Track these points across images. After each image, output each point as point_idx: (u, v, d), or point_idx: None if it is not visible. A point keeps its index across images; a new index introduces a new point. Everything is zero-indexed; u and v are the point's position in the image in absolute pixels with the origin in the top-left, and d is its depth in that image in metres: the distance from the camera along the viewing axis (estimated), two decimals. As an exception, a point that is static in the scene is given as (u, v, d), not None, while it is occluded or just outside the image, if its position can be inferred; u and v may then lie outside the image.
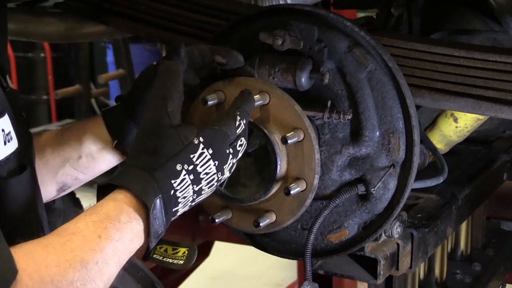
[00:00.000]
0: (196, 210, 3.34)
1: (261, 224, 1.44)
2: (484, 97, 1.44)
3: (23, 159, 1.27)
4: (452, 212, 1.86)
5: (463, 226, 2.44)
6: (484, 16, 2.07)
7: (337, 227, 1.52)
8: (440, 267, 2.34)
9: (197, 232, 3.42)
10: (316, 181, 1.41)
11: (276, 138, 1.40)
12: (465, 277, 2.40)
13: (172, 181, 1.18)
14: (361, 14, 3.60)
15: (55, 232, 1.07)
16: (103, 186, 1.17)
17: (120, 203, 1.14)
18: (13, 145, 1.21)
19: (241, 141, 1.29)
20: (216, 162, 1.23)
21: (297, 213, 1.45)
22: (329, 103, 1.43)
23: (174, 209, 1.19)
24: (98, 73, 7.32)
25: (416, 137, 1.43)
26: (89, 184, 1.71)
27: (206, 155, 1.22)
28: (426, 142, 1.74)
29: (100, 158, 1.54)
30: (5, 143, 1.19)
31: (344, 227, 1.51)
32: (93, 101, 7.52)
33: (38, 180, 1.36)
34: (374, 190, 1.46)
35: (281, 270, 5.13)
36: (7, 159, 1.20)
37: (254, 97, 1.37)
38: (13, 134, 1.21)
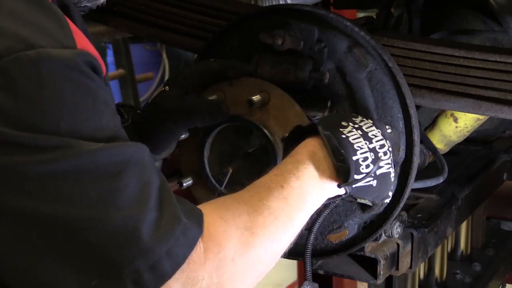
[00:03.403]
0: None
1: (261, 224, 1.44)
2: (484, 97, 1.44)
3: None
4: (452, 212, 1.86)
5: (463, 226, 2.44)
6: (484, 16, 2.07)
7: (337, 227, 1.52)
8: (440, 267, 2.34)
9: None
10: (316, 181, 1.41)
11: (276, 138, 1.40)
12: (465, 277, 2.40)
13: (341, 129, 1.28)
14: (361, 14, 3.60)
15: (244, 189, 1.18)
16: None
17: (297, 155, 1.26)
18: None
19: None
20: (379, 131, 1.33)
21: (297, 213, 1.44)
22: (329, 103, 1.43)
23: (354, 155, 1.25)
24: (98, 73, 7.30)
25: (416, 137, 1.43)
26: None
27: (368, 122, 1.34)
28: (426, 142, 1.74)
29: None
30: None
31: (344, 227, 1.51)
32: (93, 101, 7.50)
33: None
34: (374, 190, 1.46)
35: (281, 270, 5.12)
36: None
37: (254, 97, 1.37)
38: None
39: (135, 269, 0.93)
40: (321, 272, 1.65)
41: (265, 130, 1.40)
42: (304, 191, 1.20)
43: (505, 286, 2.64)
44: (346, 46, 1.45)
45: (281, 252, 1.16)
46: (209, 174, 1.47)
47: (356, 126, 1.31)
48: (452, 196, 1.90)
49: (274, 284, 5.17)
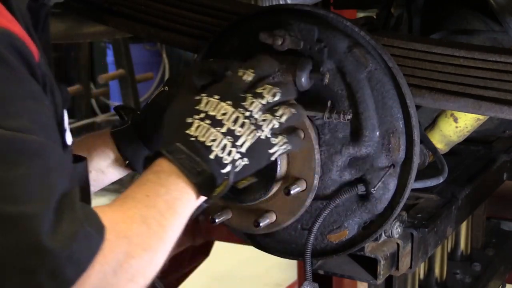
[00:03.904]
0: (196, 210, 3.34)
1: (261, 224, 1.44)
2: (484, 97, 1.44)
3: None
4: (452, 212, 1.86)
5: (463, 226, 2.44)
6: (484, 16, 2.07)
7: (337, 227, 1.52)
8: (440, 267, 2.34)
9: (197, 232, 3.42)
10: (316, 181, 1.41)
11: (276, 138, 1.40)
12: (465, 277, 2.40)
13: (187, 131, 1.21)
14: (361, 14, 3.60)
15: (110, 202, 1.12)
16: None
17: (155, 167, 1.18)
18: (71, 137, 1.26)
19: (263, 87, 1.27)
20: (230, 102, 1.24)
21: (297, 213, 1.45)
22: (329, 103, 1.43)
23: (210, 153, 1.19)
24: (98, 73, 7.32)
25: (416, 137, 1.43)
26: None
27: (214, 101, 1.24)
28: (426, 142, 1.74)
29: (110, 172, 1.57)
30: (70, 132, 1.24)
31: (344, 227, 1.51)
32: (93, 101, 7.52)
33: None
34: (374, 190, 1.46)
35: (281, 270, 5.13)
36: (71, 146, 1.24)
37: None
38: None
39: (35, 276, 0.90)
40: (321, 272, 1.65)
41: (265, 130, 1.40)
42: (173, 198, 1.14)
43: (505, 286, 2.64)
44: (346, 46, 1.45)
45: (159, 263, 1.10)
46: (209, 174, 1.47)
47: (202, 116, 1.23)
48: (452, 196, 1.90)
49: (274, 284, 5.17)
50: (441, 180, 1.67)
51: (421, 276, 2.30)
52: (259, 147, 1.24)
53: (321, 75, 1.43)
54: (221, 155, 1.19)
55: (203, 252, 3.67)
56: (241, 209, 1.48)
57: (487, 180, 2.16)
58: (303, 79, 1.44)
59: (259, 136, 1.24)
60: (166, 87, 1.48)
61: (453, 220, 1.88)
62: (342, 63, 1.45)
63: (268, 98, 1.26)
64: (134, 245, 1.04)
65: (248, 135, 1.23)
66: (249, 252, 2.22)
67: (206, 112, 1.23)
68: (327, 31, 1.46)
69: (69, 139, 1.21)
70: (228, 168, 1.20)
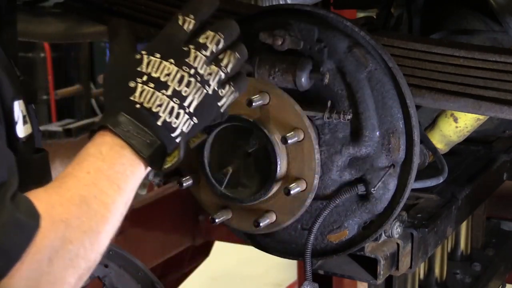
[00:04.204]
0: (196, 210, 3.34)
1: (261, 224, 1.44)
2: (484, 97, 1.44)
3: (38, 144, 1.29)
4: (452, 212, 1.86)
5: (463, 226, 2.44)
6: (484, 16, 2.07)
7: (337, 227, 1.52)
8: (440, 267, 2.34)
9: (197, 232, 3.42)
10: (316, 181, 1.41)
11: (276, 138, 1.40)
12: (465, 277, 2.40)
13: (131, 97, 1.15)
14: (361, 14, 3.60)
15: (51, 182, 1.08)
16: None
17: (97, 139, 1.13)
18: (29, 128, 1.23)
19: (205, 34, 1.21)
20: (172, 60, 1.18)
21: (297, 213, 1.45)
22: (329, 103, 1.43)
23: (157, 120, 1.14)
24: (98, 73, 7.31)
25: (416, 137, 1.43)
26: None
27: (155, 60, 1.18)
28: (426, 142, 1.74)
29: None
30: (23, 124, 1.21)
31: (344, 227, 1.51)
32: (93, 101, 7.52)
33: None
34: (374, 190, 1.46)
35: (281, 270, 5.13)
36: (27, 138, 1.21)
37: (253, 97, 1.37)
38: (27, 119, 1.23)
39: None
40: (321, 272, 1.65)
41: (265, 130, 1.40)
42: (116, 172, 1.10)
43: (505, 286, 2.64)
44: (346, 46, 1.45)
45: (103, 244, 1.07)
46: (209, 174, 1.47)
47: (145, 79, 1.16)
48: (452, 196, 1.90)
49: (274, 284, 5.17)
50: (441, 180, 1.67)
51: (421, 276, 2.30)
52: (208, 103, 1.20)
53: (321, 75, 1.43)
54: (169, 120, 1.15)
55: (203, 252, 3.67)
56: (241, 209, 1.48)
57: (487, 180, 2.16)
58: (303, 79, 1.44)
59: (207, 92, 1.19)
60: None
61: (453, 220, 1.88)
62: (342, 63, 1.45)
63: (213, 47, 1.21)
64: (73, 228, 1.01)
65: (195, 93, 1.18)
66: (249, 252, 2.22)
67: (149, 74, 1.17)
68: (327, 31, 1.46)
69: (22, 131, 1.19)
70: (177, 131, 1.16)
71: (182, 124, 1.17)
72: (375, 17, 2.35)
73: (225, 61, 1.22)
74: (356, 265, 1.64)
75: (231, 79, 1.23)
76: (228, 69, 1.22)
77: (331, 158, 1.48)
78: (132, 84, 1.16)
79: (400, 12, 2.25)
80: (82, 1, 2.01)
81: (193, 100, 1.18)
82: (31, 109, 1.32)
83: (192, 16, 1.22)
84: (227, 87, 1.22)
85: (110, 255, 1.86)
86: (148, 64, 1.18)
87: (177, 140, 1.16)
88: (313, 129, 1.42)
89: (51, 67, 7.24)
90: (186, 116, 1.17)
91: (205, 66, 1.20)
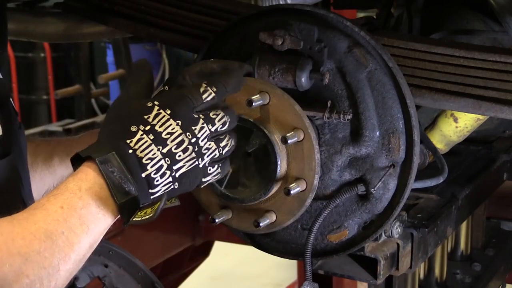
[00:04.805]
0: (196, 210, 3.34)
1: (261, 224, 1.44)
2: (484, 97, 1.44)
3: (7, 146, 1.27)
4: (452, 212, 1.86)
5: (463, 226, 2.44)
6: (484, 16, 2.07)
7: (337, 227, 1.52)
8: (440, 267, 2.34)
9: (197, 232, 3.42)
10: (316, 181, 1.41)
11: (276, 138, 1.40)
12: (465, 277, 2.40)
13: (128, 141, 1.15)
14: (361, 14, 3.60)
15: (21, 212, 1.07)
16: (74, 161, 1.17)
17: (80, 173, 1.12)
18: None
19: (216, 111, 1.24)
20: (179, 122, 1.19)
21: (297, 213, 1.45)
22: (329, 103, 1.43)
23: (143, 172, 1.14)
24: (98, 73, 7.32)
25: (416, 137, 1.43)
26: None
27: (164, 115, 1.19)
28: (426, 142, 1.74)
29: None
30: None
31: (344, 227, 1.51)
32: (93, 101, 7.52)
33: (44, 187, 1.36)
34: (374, 190, 1.46)
35: (281, 270, 5.13)
36: None
37: (253, 97, 1.37)
38: None
39: None
40: (321, 272, 1.66)
41: (265, 130, 1.40)
42: (88, 212, 1.09)
43: (505, 286, 2.64)
44: (346, 46, 1.45)
45: (61, 282, 1.06)
46: (209, 174, 1.47)
47: (148, 128, 1.17)
48: (452, 196, 1.91)
49: (274, 284, 5.17)
50: (441, 180, 1.67)
51: (421, 276, 2.30)
52: (194, 175, 1.21)
53: (321, 75, 1.43)
54: (153, 176, 1.15)
55: (203, 252, 3.67)
56: (241, 209, 1.48)
57: (487, 180, 2.16)
58: (303, 79, 1.44)
59: (197, 164, 1.21)
60: (166, 87, 1.48)
61: (453, 220, 1.88)
62: (342, 63, 1.45)
63: (218, 126, 1.24)
64: (31, 263, 1.00)
65: (187, 161, 1.19)
66: (249, 252, 2.23)
67: (153, 125, 1.17)
68: (327, 31, 1.46)
69: None
70: (156, 189, 1.15)
71: (163, 184, 1.16)
72: (375, 17, 2.35)
73: (224, 143, 1.25)
74: (356, 265, 1.64)
75: (221, 160, 1.26)
76: (224, 151, 1.25)
77: (331, 158, 1.48)
78: (133, 129, 1.16)
79: (400, 12, 2.25)
80: (82, 1, 2.01)
81: (183, 167, 1.19)
82: (9, 108, 1.30)
83: (215, 89, 1.24)
84: (215, 167, 1.25)
85: (110, 255, 1.85)
86: (156, 116, 1.18)
87: (152, 197, 1.15)
88: (313, 129, 1.42)
89: (51, 67, 7.25)
90: (170, 179, 1.17)
91: (206, 140, 1.22)
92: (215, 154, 1.23)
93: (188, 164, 1.19)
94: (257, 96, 1.38)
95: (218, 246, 3.80)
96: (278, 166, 1.41)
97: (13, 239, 1.00)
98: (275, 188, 1.43)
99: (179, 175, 1.18)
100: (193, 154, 1.20)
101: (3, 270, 0.97)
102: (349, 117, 1.42)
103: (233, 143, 1.27)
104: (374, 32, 1.53)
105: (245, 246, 1.94)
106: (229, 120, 1.25)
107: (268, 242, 1.61)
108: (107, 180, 1.11)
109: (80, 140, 1.57)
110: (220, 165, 1.26)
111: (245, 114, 1.41)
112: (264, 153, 1.42)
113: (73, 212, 1.07)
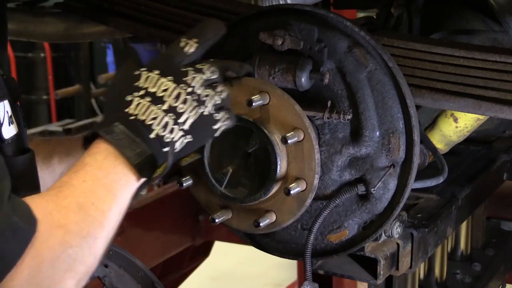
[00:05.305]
0: (196, 210, 3.34)
1: (261, 224, 1.44)
2: (484, 97, 1.44)
3: (24, 143, 1.29)
4: (452, 212, 1.86)
5: (463, 226, 2.44)
6: (484, 16, 2.07)
7: (337, 227, 1.52)
8: (440, 267, 2.34)
9: (197, 232, 3.42)
10: (316, 181, 1.41)
11: (276, 138, 1.40)
12: (465, 277, 2.40)
13: (126, 110, 1.17)
14: (361, 14, 3.60)
15: (46, 191, 1.10)
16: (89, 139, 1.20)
17: (92, 149, 1.15)
18: (15, 128, 1.24)
19: (201, 63, 1.24)
20: (170, 78, 1.20)
21: (297, 213, 1.45)
22: (329, 103, 1.43)
23: (150, 132, 1.16)
24: (98, 73, 7.31)
25: (416, 137, 1.43)
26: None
27: (154, 76, 1.20)
28: (426, 142, 1.74)
29: None
30: (9, 124, 1.22)
31: (344, 227, 1.51)
32: (93, 101, 7.52)
33: (44, 187, 1.37)
34: (374, 190, 1.46)
35: (281, 270, 5.13)
36: (12, 139, 1.22)
37: (253, 97, 1.37)
38: (14, 119, 1.24)
39: None
40: (321, 272, 1.66)
41: (265, 130, 1.40)
42: (111, 181, 1.12)
43: (505, 286, 2.64)
44: (346, 46, 1.45)
45: (100, 249, 1.09)
46: (209, 174, 1.47)
47: (142, 93, 1.19)
48: (452, 196, 1.90)
49: (274, 284, 5.17)
50: (441, 180, 1.67)
51: (421, 276, 2.30)
52: (203, 123, 1.22)
53: (321, 75, 1.43)
54: (162, 134, 1.17)
55: (203, 252, 3.67)
56: (241, 209, 1.48)
57: (487, 180, 2.16)
58: (303, 79, 1.44)
59: (202, 112, 1.21)
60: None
61: (453, 220, 1.88)
62: (342, 63, 1.45)
63: (208, 75, 1.24)
64: (72, 234, 1.03)
65: (191, 111, 1.20)
66: (249, 252, 2.23)
67: (146, 88, 1.19)
68: (327, 31, 1.46)
69: (7, 132, 1.20)
70: (169, 146, 1.17)
71: (176, 139, 1.18)
72: (375, 17, 2.35)
73: (220, 88, 1.25)
74: (356, 265, 1.64)
75: (224, 108, 1.26)
76: (223, 96, 1.24)
77: (331, 158, 1.48)
78: (128, 98, 1.19)
79: (400, 12, 2.25)
80: (82, 1, 2.01)
81: (189, 117, 1.20)
82: (17, 108, 1.32)
83: (195, 40, 1.25)
84: (222, 113, 1.24)
85: (110, 255, 1.85)
86: (146, 79, 1.20)
87: (168, 154, 1.17)
88: (313, 129, 1.42)
89: (51, 67, 7.24)
90: (181, 133, 1.18)
91: (202, 87, 1.22)
92: (216, 100, 1.23)
93: (192, 114, 1.20)
94: (257, 96, 1.38)
95: (218, 246, 3.79)
96: (278, 166, 1.41)
97: (50, 213, 1.03)
98: (275, 188, 1.43)
99: (188, 127, 1.19)
100: (194, 103, 1.21)
101: (48, 242, 1.00)
102: (349, 117, 1.42)
103: (227, 90, 1.26)
104: (374, 32, 1.53)
105: (245, 246, 1.94)
106: (217, 69, 1.26)
107: (268, 242, 1.61)
108: (117, 147, 1.14)
109: (78, 140, 1.57)
110: (226, 110, 1.26)
111: (245, 114, 1.41)
112: (264, 153, 1.42)
113: (97, 183, 1.11)
